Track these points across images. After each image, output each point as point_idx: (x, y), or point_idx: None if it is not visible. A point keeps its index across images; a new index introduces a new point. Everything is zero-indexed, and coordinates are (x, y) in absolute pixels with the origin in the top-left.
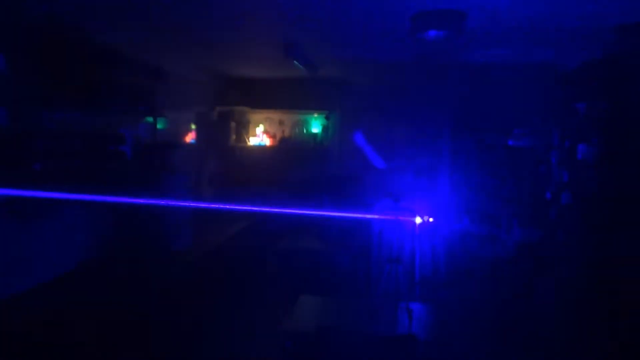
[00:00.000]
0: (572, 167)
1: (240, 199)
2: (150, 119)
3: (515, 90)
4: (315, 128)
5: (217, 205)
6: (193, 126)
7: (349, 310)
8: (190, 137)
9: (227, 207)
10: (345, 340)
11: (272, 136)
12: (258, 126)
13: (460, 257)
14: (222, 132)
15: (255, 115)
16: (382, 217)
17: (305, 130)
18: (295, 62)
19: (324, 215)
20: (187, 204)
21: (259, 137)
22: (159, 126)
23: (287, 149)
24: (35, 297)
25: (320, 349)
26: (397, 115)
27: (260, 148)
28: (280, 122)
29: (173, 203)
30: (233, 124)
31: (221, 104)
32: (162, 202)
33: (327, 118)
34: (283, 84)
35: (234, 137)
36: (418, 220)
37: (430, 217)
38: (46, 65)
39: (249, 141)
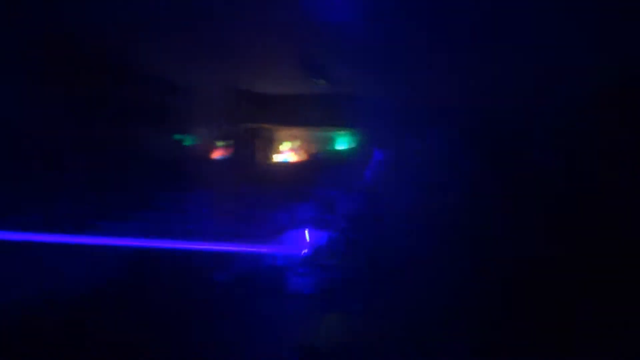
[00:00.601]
0: None
1: (264, 215)
2: (178, 136)
3: None
4: (341, 145)
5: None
6: (219, 143)
7: None
8: (216, 154)
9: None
10: None
11: (297, 153)
12: (283, 143)
13: None
14: (247, 149)
15: (281, 132)
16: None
17: (330, 147)
18: (315, 80)
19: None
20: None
21: (284, 154)
22: (186, 143)
23: (312, 165)
24: None
25: None
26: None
27: (285, 165)
28: (306, 139)
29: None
30: (259, 141)
31: (247, 120)
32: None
33: (352, 135)
34: (308, 101)
35: (259, 154)
36: None
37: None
38: (78, 85)
39: (274, 158)
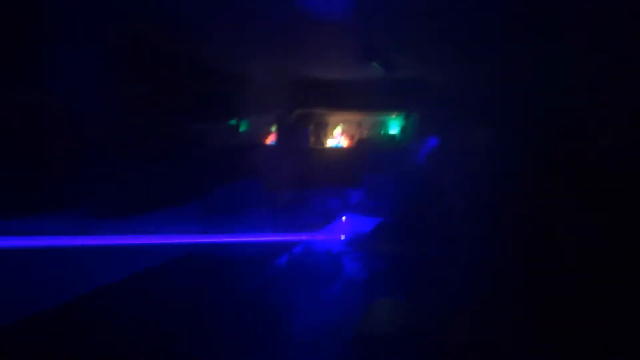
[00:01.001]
0: None
1: (316, 202)
2: (233, 122)
3: None
4: (394, 129)
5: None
6: (273, 128)
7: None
8: (270, 140)
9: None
10: None
11: (350, 138)
12: (336, 128)
13: None
14: (300, 134)
15: (334, 117)
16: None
17: (383, 132)
18: (373, 63)
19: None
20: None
21: (337, 138)
22: (241, 129)
23: (365, 150)
24: None
25: None
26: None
27: (338, 150)
28: (359, 124)
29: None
30: (311, 126)
31: (300, 106)
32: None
33: (406, 119)
34: (361, 85)
35: (312, 139)
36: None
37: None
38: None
39: (327, 143)
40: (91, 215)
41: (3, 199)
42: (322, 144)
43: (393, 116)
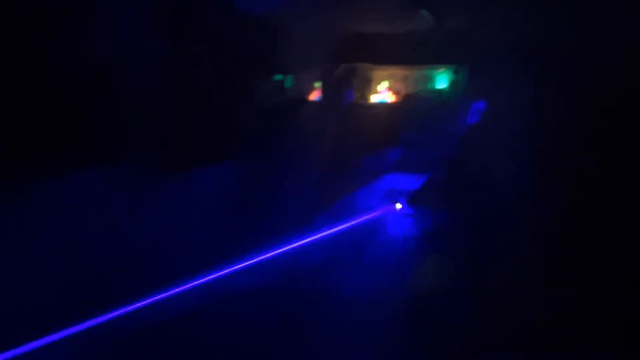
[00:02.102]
0: None
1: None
2: (279, 77)
3: None
4: (442, 84)
5: None
6: (317, 84)
7: None
8: (314, 96)
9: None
10: None
11: (396, 93)
12: (381, 83)
13: None
14: (345, 90)
15: (379, 72)
16: None
17: (430, 87)
18: (422, 12)
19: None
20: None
21: (383, 94)
22: (284, 86)
23: (411, 106)
24: None
25: None
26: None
27: (384, 106)
28: (405, 78)
29: None
30: (356, 81)
31: (345, 61)
32: None
33: (455, 73)
34: (408, 38)
35: (357, 94)
36: None
37: None
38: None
39: (371, 99)
40: (144, 171)
41: (62, 152)
42: (367, 100)
43: (441, 70)
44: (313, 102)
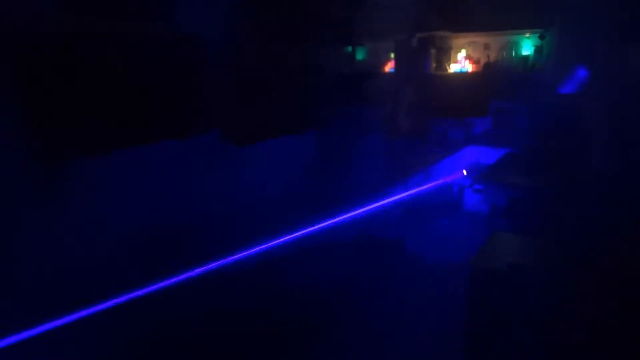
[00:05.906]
0: None
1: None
2: (349, 49)
3: None
4: (527, 50)
5: None
6: (392, 55)
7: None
8: (389, 67)
9: None
10: None
11: (475, 62)
12: (460, 51)
13: None
14: (421, 60)
15: (458, 40)
16: None
17: (514, 54)
18: None
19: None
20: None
21: (461, 63)
22: (358, 56)
23: (493, 75)
24: None
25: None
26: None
27: (462, 75)
28: (486, 46)
29: None
30: (433, 51)
31: (421, 29)
32: None
33: (541, 38)
34: (490, 2)
35: (434, 64)
36: None
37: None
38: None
39: (450, 68)
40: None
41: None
42: (445, 69)
43: (526, 36)
44: (386, 74)
